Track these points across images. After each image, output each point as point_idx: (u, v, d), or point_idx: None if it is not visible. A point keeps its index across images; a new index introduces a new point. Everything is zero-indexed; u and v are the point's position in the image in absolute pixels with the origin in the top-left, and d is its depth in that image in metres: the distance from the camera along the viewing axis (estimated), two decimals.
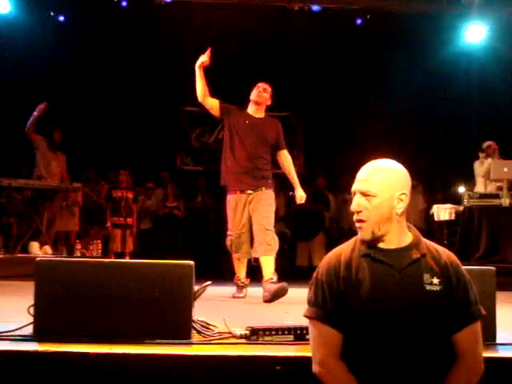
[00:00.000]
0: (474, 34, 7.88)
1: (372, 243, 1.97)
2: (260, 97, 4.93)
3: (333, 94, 9.62)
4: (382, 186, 1.95)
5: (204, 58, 4.82)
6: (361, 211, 1.96)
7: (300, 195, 5.03)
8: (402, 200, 1.97)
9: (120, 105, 9.39)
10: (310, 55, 9.25)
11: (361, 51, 9.09)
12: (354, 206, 1.97)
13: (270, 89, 5.00)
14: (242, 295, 4.86)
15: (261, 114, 5.01)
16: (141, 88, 9.32)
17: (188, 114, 10.19)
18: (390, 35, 8.52)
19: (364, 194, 1.96)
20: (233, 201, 4.87)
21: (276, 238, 4.77)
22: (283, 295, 4.46)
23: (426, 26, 8.13)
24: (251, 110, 4.99)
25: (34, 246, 6.93)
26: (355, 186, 2.00)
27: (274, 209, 4.89)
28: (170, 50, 8.76)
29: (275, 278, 4.61)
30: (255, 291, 4.81)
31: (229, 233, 4.92)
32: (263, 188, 4.85)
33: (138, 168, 8.98)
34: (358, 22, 8.62)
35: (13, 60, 8.35)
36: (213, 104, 4.94)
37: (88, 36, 8.99)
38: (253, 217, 4.81)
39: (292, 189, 5.35)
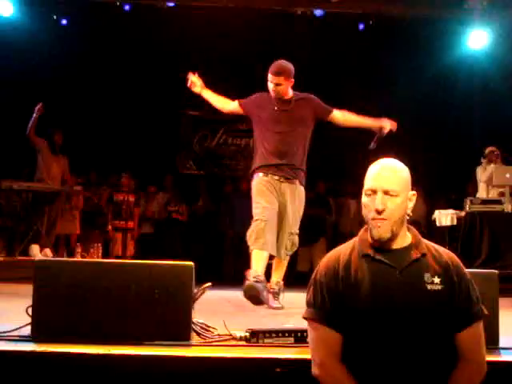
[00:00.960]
0: (477, 40, 7.87)
1: (384, 243, 1.95)
2: (277, 93, 4.38)
3: (334, 99, 9.59)
4: (402, 185, 1.96)
5: (191, 82, 4.56)
6: (384, 210, 1.93)
7: (384, 124, 4.51)
8: (411, 200, 1.99)
9: (122, 108, 9.39)
10: (312, 60, 9.24)
11: (363, 56, 9.09)
12: (378, 205, 1.93)
13: (282, 76, 4.35)
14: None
15: (288, 96, 4.45)
16: (143, 92, 9.32)
17: (190, 118, 10.19)
18: (393, 40, 8.51)
19: (387, 193, 1.93)
20: (262, 180, 4.31)
21: (296, 243, 4.38)
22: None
23: (428, 31, 8.12)
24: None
25: (35, 249, 6.92)
26: (377, 184, 1.94)
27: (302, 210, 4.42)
28: (173, 53, 8.77)
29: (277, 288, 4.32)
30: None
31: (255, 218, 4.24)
32: (297, 182, 4.36)
33: (139, 172, 8.97)
34: (361, 27, 8.61)
35: (15, 62, 8.35)
36: (234, 108, 4.57)
37: (90, 39, 9.00)
38: (282, 213, 4.30)
39: None
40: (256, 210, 4.23)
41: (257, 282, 3.95)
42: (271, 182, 4.29)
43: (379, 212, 1.92)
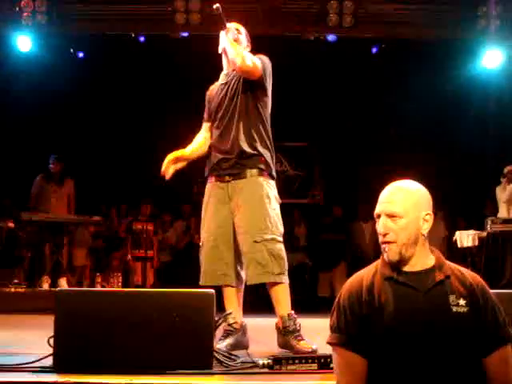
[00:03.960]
0: (491, 59, 7.85)
1: (397, 265, 1.93)
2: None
3: (349, 123, 9.64)
4: (407, 206, 1.92)
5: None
6: (388, 233, 1.92)
7: None
8: (427, 221, 1.94)
9: (139, 138, 9.48)
10: (326, 84, 9.29)
11: (377, 79, 9.11)
12: (380, 229, 1.93)
13: (244, 29, 3.56)
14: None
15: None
16: (157, 121, 9.40)
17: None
18: (406, 62, 8.53)
19: (390, 216, 1.92)
20: (207, 191, 3.49)
21: (279, 252, 3.27)
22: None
23: (441, 52, 8.13)
24: (224, 71, 3.56)
25: (62, 282, 6.95)
26: (379, 209, 1.96)
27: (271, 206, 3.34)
28: (187, 82, 8.86)
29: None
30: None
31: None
32: (247, 173, 3.32)
33: (157, 200, 9.00)
34: (374, 50, 8.65)
35: (32, 95, 8.50)
36: (207, 130, 3.56)
37: (106, 71, 9.14)
38: (238, 222, 3.32)
39: None
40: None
41: (228, 334, 3.22)
42: (216, 188, 3.37)
43: (383, 236, 1.92)
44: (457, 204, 8.99)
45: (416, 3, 7.63)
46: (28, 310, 5.60)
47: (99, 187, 8.80)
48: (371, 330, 1.87)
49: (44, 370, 2.45)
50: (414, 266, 1.94)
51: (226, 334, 3.22)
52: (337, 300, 1.99)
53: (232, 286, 3.33)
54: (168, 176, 3.42)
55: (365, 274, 1.99)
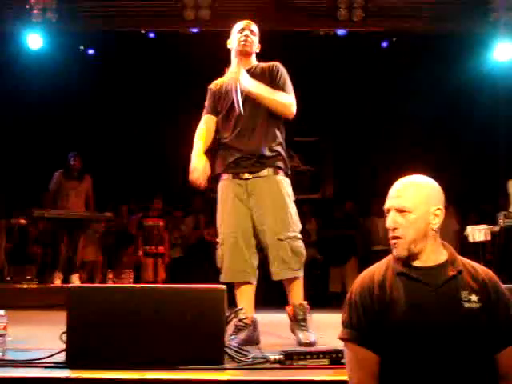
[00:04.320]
0: (503, 52, 7.78)
1: (407, 261, 1.92)
2: (247, 45, 3.53)
3: (360, 117, 9.60)
4: (416, 201, 1.91)
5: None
6: (397, 228, 1.91)
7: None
8: (437, 215, 1.92)
9: (149, 135, 9.51)
10: (337, 79, 9.25)
11: (387, 74, 9.06)
12: (389, 223, 1.93)
13: (253, 25, 3.58)
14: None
15: (249, 65, 3.56)
16: (171, 116, 9.41)
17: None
18: (417, 56, 8.49)
19: (399, 211, 1.91)
20: (222, 188, 3.54)
21: (299, 249, 3.41)
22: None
23: (453, 45, 8.07)
24: (235, 64, 3.57)
25: (74, 278, 6.99)
26: (389, 203, 1.95)
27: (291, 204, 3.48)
28: (199, 77, 8.84)
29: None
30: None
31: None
32: (268, 171, 3.42)
33: (167, 196, 9.02)
34: (384, 44, 8.60)
35: (43, 92, 8.54)
36: (211, 123, 3.61)
37: (117, 68, 9.16)
38: (258, 220, 3.42)
39: None
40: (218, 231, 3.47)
41: (240, 329, 3.29)
42: (233, 185, 3.41)
43: (392, 230, 1.92)
44: (468, 198, 8.94)
45: None
46: (40, 306, 5.63)
47: (110, 183, 8.83)
48: (383, 326, 1.86)
49: (56, 365, 2.46)
50: (426, 261, 1.92)
51: (238, 330, 3.28)
52: (348, 296, 1.98)
53: (249, 283, 3.42)
54: (203, 184, 3.45)
55: (376, 270, 1.98)
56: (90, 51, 9.04)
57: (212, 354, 2.52)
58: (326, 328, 4.02)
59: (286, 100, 3.42)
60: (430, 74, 8.47)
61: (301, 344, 3.24)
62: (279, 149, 3.44)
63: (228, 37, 3.66)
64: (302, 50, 8.44)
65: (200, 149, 3.50)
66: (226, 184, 3.45)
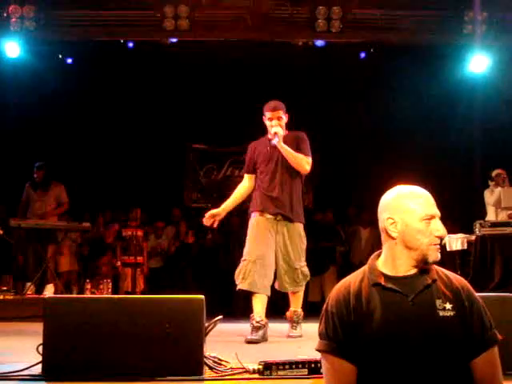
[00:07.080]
0: (478, 64, 7.90)
1: (383, 270, 1.94)
2: (278, 135, 4.53)
3: (339, 128, 9.67)
4: None
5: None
6: (446, 235, 1.99)
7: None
8: None
9: (127, 144, 9.47)
10: (315, 89, 9.32)
11: (365, 84, 9.15)
12: (443, 231, 1.97)
13: (281, 110, 4.65)
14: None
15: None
16: (149, 126, 9.40)
17: (196, 152, 10.22)
18: (394, 67, 8.58)
19: (440, 218, 1.99)
20: (258, 220, 4.54)
21: (307, 273, 4.67)
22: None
23: (429, 57, 8.19)
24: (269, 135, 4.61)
25: (49, 288, 6.92)
26: (433, 210, 2.00)
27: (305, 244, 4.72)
28: (178, 88, 8.86)
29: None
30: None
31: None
32: (294, 219, 4.55)
33: (146, 206, 8.99)
34: (362, 55, 8.69)
35: (21, 101, 8.48)
36: (250, 181, 4.70)
37: (95, 77, 9.13)
38: (282, 251, 4.54)
39: None
40: (245, 250, 4.49)
41: (259, 328, 4.25)
42: (266, 222, 4.50)
43: (438, 237, 1.96)
44: (444, 207, 9.01)
45: (403, 9, 7.68)
46: (15, 318, 5.56)
47: (87, 193, 8.77)
48: (359, 337, 1.87)
49: (33, 378, 2.43)
50: (401, 271, 1.94)
51: (257, 328, 4.24)
52: (325, 306, 1.99)
53: (267, 295, 4.44)
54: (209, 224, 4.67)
55: (352, 280, 1.99)
56: (69, 60, 8.98)
57: (191, 365, 2.51)
58: (305, 337, 4.05)
59: (305, 161, 4.56)
60: (407, 85, 8.57)
61: (289, 337, 4.50)
62: (301, 208, 4.64)
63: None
64: (281, 61, 8.49)
65: (226, 204, 4.69)
66: (257, 218, 4.52)
